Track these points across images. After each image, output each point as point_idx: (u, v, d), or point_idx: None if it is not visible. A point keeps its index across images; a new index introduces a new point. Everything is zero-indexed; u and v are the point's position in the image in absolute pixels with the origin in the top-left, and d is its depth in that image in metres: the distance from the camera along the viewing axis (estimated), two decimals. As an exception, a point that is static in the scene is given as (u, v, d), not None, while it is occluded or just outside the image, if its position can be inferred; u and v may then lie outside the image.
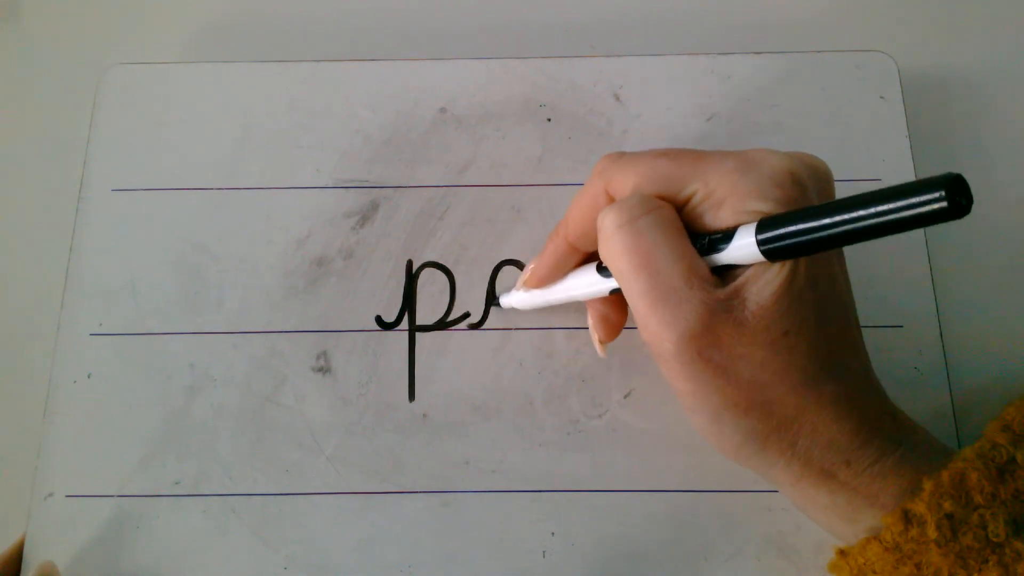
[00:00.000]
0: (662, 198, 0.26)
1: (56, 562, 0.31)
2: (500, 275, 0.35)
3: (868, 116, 0.37)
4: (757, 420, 0.25)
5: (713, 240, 0.25)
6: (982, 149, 0.39)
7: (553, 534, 0.31)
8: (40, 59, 0.43)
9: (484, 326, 0.34)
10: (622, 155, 0.27)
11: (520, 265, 0.35)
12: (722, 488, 0.32)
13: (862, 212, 0.21)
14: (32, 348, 0.36)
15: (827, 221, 0.22)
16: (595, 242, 0.28)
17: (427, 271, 0.35)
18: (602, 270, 0.29)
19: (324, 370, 0.34)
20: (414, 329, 0.34)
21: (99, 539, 0.31)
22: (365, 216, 0.36)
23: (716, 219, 0.25)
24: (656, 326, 0.24)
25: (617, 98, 0.37)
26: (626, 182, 0.26)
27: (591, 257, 0.30)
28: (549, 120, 0.37)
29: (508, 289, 0.34)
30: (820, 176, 0.26)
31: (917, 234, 0.35)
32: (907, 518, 0.25)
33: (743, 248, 0.24)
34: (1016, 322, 0.36)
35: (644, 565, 0.31)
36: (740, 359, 0.24)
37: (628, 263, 0.25)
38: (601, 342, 0.31)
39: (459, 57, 0.38)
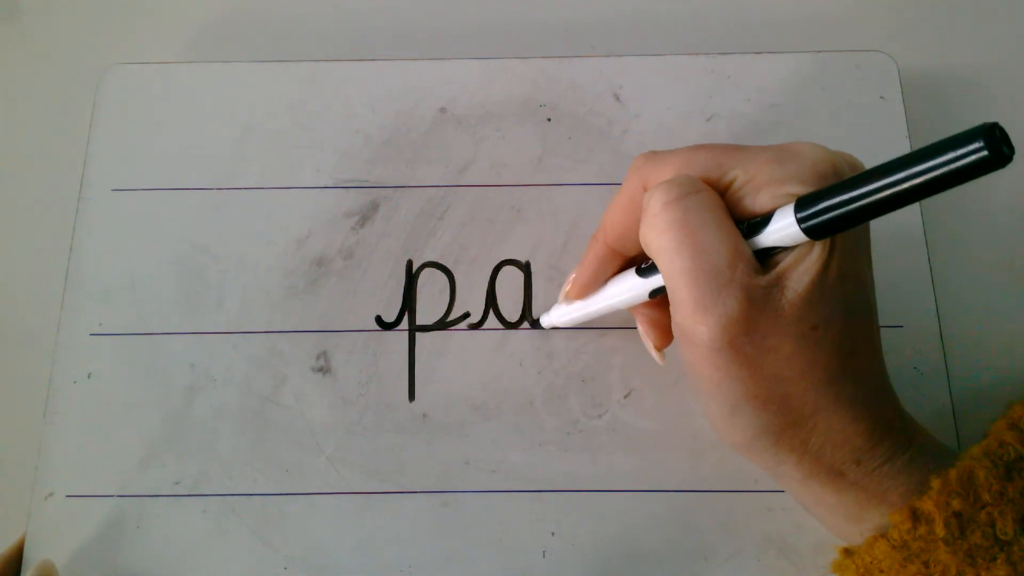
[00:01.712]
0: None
1: (56, 562, 0.31)
2: (500, 274, 0.35)
3: (868, 116, 0.37)
4: (774, 415, 0.25)
5: (752, 225, 0.25)
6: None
7: (553, 534, 0.31)
8: (40, 59, 0.43)
9: (484, 326, 0.34)
10: (657, 152, 0.27)
11: (520, 264, 0.35)
12: (722, 488, 0.32)
13: (902, 174, 0.20)
14: (32, 348, 0.36)
15: (866, 188, 0.21)
16: (635, 244, 0.27)
17: (427, 271, 0.35)
18: (642, 271, 0.28)
19: (324, 370, 0.34)
20: (414, 329, 0.34)
21: (99, 539, 0.31)
22: (365, 216, 0.36)
23: (754, 204, 0.25)
24: (693, 307, 0.24)
25: (617, 98, 0.37)
26: (664, 174, 0.26)
27: (629, 264, 0.30)
28: (549, 120, 0.37)
29: (547, 309, 0.33)
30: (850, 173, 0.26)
31: (917, 234, 0.35)
32: (915, 516, 0.25)
33: (781, 229, 0.24)
34: (1016, 322, 0.36)
35: (644, 565, 0.31)
36: (769, 351, 0.24)
37: (673, 239, 0.24)
38: (657, 348, 0.30)
39: (459, 57, 0.38)
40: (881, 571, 0.26)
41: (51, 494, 0.32)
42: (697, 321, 0.24)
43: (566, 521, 0.31)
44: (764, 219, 0.24)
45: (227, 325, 0.34)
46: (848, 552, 0.27)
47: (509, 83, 0.38)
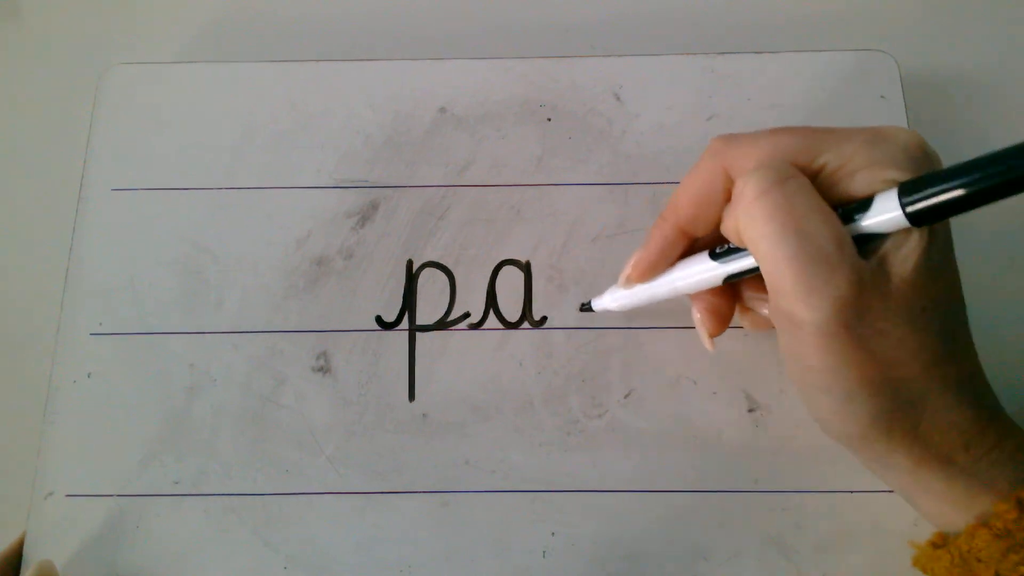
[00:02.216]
0: None
1: (56, 561, 0.31)
2: (500, 274, 0.35)
3: (868, 116, 0.37)
4: (889, 399, 0.24)
5: (848, 211, 0.24)
6: (983, 149, 0.39)
7: (553, 534, 0.31)
8: (40, 59, 0.43)
9: (484, 326, 0.34)
10: (736, 135, 0.27)
11: (520, 264, 0.35)
12: (722, 488, 0.32)
13: (1015, 162, 0.21)
14: (32, 348, 0.36)
15: (976, 176, 0.21)
16: (706, 226, 0.27)
17: (427, 271, 0.35)
18: (717, 256, 0.27)
19: (324, 370, 0.34)
20: (414, 329, 0.34)
21: (99, 539, 0.31)
22: (365, 216, 0.36)
23: (849, 189, 0.24)
24: (804, 293, 0.23)
25: (617, 98, 0.37)
26: (749, 158, 0.26)
27: (693, 247, 0.29)
28: (549, 120, 0.37)
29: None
30: (939, 159, 0.26)
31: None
32: (1021, 506, 0.24)
33: (883, 214, 0.23)
34: (1015, 322, 0.36)
35: (644, 565, 0.31)
36: (881, 334, 0.24)
37: (778, 226, 0.23)
38: (711, 335, 0.30)
39: (459, 57, 0.38)
40: (979, 560, 0.25)
41: (51, 494, 0.32)
42: (807, 306, 0.23)
43: (566, 521, 0.31)
44: (862, 204, 0.24)
45: (227, 325, 0.34)
46: (935, 545, 0.27)
47: (509, 83, 0.38)
